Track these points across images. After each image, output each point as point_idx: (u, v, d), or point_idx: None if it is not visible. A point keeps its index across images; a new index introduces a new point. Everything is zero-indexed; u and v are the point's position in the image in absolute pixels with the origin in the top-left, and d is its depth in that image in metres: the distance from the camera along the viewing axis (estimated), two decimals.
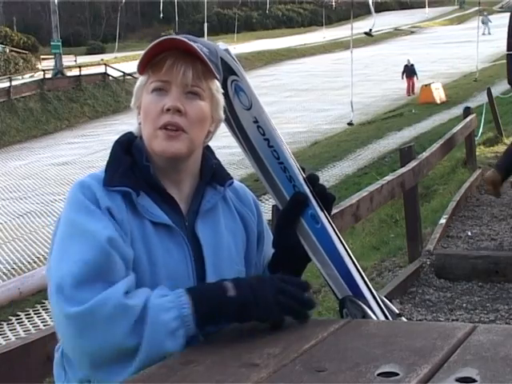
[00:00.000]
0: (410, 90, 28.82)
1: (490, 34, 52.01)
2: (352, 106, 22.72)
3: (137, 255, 1.45)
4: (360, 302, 1.54)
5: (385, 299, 1.59)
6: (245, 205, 1.65)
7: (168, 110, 1.48)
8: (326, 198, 1.59)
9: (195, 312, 1.36)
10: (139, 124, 1.55)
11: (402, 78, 29.39)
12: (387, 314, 1.56)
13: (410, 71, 29.21)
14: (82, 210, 1.44)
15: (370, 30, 35.76)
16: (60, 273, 1.39)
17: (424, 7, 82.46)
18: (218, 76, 1.53)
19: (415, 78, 28.99)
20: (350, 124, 22.87)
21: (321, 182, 1.62)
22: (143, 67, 1.51)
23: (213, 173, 1.59)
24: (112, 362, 1.35)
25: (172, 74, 1.48)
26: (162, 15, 63.14)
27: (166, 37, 1.49)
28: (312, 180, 1.59)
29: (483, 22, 52.48)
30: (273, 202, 1.80)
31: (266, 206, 12.49)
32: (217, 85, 1.54)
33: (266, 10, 77.25)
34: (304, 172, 1.61)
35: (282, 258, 1.61)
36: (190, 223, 1.54)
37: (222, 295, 1.37)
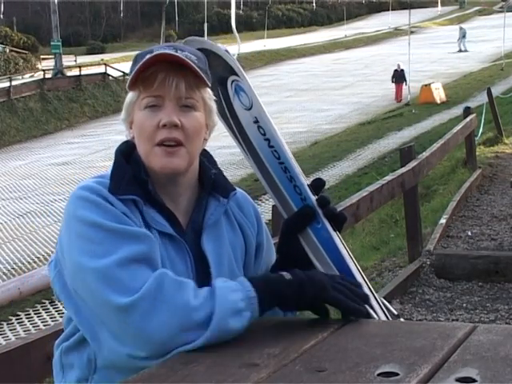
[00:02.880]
0: (398, 96, 27.56)
1: (466, 50, 45.18)
2: (409, 89, 25.20)
3: None
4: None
5: (384, 300, 1.59)
6: (245, 215, 1.62)
7: (164, 125, 1.45)
8: (337, 219, 1.58)
9: (258, 294, 1.37)
10: (133, 138, 1.53)
11: (392, 81, 27.90)
12: (387, 315, 1.56)
13: (399, 76, 27.69)
14: (107, 212, 1.41)
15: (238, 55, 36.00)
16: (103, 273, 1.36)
17: (424, 7, 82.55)
18: (209, 84, 1.51)
19: (404, 84, 27.47)
20: (407, 105, 25.14)
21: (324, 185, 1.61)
22: (133, 83, 1.48)
23: (213, 183, 1.56)
24: (177, 343, 1.32)
25: (164, 89, 1.45)
26: (122, 15, 63.07)
27: (154, 52, 1.46)
28: (323, 202, 1.57)
29: (460, 37, 46.20)
30: (272, 202, 1.79)
31: (266, 206, 12.49)
32: (209, 93, 1.52)
33: (241, 11, 77.66)
34: (320, 185, 1.60)
35: (284, 265, 1.59)
36: (191, 237, 1.52)
37: (281, 278, 1.40)
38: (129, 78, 1.49)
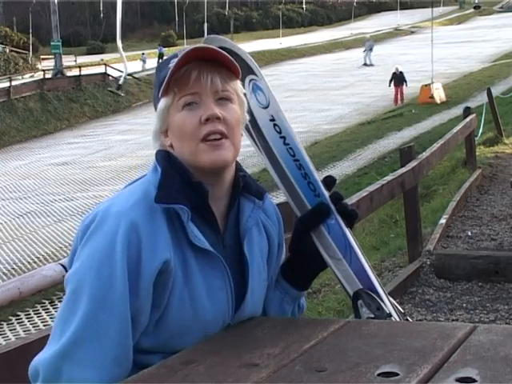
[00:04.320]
0: (399, 98, 27.31)
1: (372, 64, 41.15)
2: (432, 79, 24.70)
3: (178, 286, 1.41)
4: (374, 295, 1.55)
5: (391, 299, 1.60)
6: (269, 217, 1.62)
7: (207, 119, 1.43)
8: (350, 216, 1.59)
9: None
10: (169, 147, 1.49)
11: (390, 85, 27.59)
12: (397, 312, 1.57)
13: (398, 79, 27.33)
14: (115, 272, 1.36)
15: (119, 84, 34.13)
16: None
17: (424, 7, 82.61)
18: (240, 76, 1.51)
19: (404, 86, 27.20)
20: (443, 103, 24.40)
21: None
22: (167, 87, 1.46)
23: (246, 184, 1.54)
24: None
25: (200, 85, 1.44)
26: (102, 15, 62.87)
27: (186, 50, 1.45)
28: (336, 198, 1.59)
29: (366, 49, 42.03)
30: (275, 200, 1.80)
31: None
32: (240, 86, 1.52)
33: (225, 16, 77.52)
34: (331, 182, 1.61)
35: (295, 262, 1.61)
36: (229, 242, 1.50)
37: None
38: (162, 85, 1.46)
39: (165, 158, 1.49)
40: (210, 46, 1.46)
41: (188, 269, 1.42)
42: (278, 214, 1.66)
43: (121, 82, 35.16)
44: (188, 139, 1.45)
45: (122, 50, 35.30)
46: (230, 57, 1.47)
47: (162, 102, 1.48)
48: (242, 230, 1.51)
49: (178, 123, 1.46)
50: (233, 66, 1.47)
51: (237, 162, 1.56)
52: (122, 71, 36.28)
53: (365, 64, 41.07)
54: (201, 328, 1.44)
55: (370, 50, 41.61)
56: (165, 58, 1.55)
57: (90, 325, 1.35)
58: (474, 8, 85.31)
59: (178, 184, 1.44)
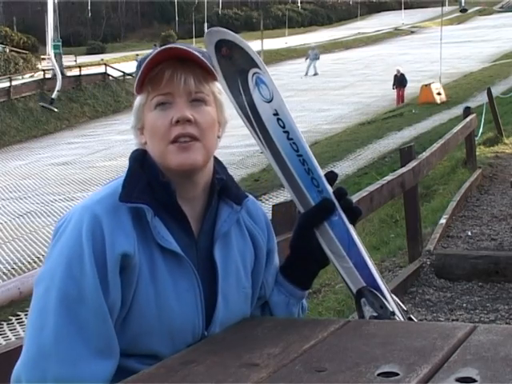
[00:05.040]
0: (400, 100, 27.20)
1: (316, 73, 38.28)
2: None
3: (143, 284, 1.40)
4: (378, 293, 1.54)
5: (393, 295, 1.59)
6: (256, 223, 1.59)
7: (177, 121, 1.42)
8: (354, 212, 1.58)
9: None
10: (144, 144, 1.49)
11: (393, 88, 27.51)
12: (400, 309, 1.56)
13: (399, 81, 27.37)
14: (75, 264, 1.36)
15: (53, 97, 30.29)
16: None
17: (424, 7, 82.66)
18: (217, 77, 1.49)
19: (405, 89, 27.19)
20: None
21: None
22: (141, 85, 1.46)
23: (224, 188, 1.52)
24: None
25: (173, 85, 1.43)
26: (91, 14, 62.37)
27: (159, 49, 1.44)
28: (340, 194, 1.57)
29: (309, 58, 39.13)
30: (272, 202, 1.79)
31: (266, 206, 12.50)
32: (218, 87, 1.50)
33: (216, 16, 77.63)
34: (332, 177, 1.59)
35: (297, 260, 1.59)
36: (203, 245, 1.49)
37: None
38: (135, 82, 1.46)
39: (136, 158, 1.49)
40: (182, 47, 1.44)
41: (155, 267, 1.41)
42: (267, 220, 1.63)
43: (54, 96, 31.28)
44: (158, 140, 1.44)
45: (54, 59, 32.12)
46: (204, 58, 1.45)
47: (138, 100, 1.48)
48: (215, 235, 1.49)
49: (150, 123, 1.46)
50: (207, 67, 1.45)
51: (218, 164, 1.55)
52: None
53: (306, 74, 38.77)
54: (166, 330, 1.42)
55: (317, 59, 39.18)
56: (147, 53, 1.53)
57: (67, 321, 1.34)
58: (461, 11, 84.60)
59: (144, 183, 1.44)
